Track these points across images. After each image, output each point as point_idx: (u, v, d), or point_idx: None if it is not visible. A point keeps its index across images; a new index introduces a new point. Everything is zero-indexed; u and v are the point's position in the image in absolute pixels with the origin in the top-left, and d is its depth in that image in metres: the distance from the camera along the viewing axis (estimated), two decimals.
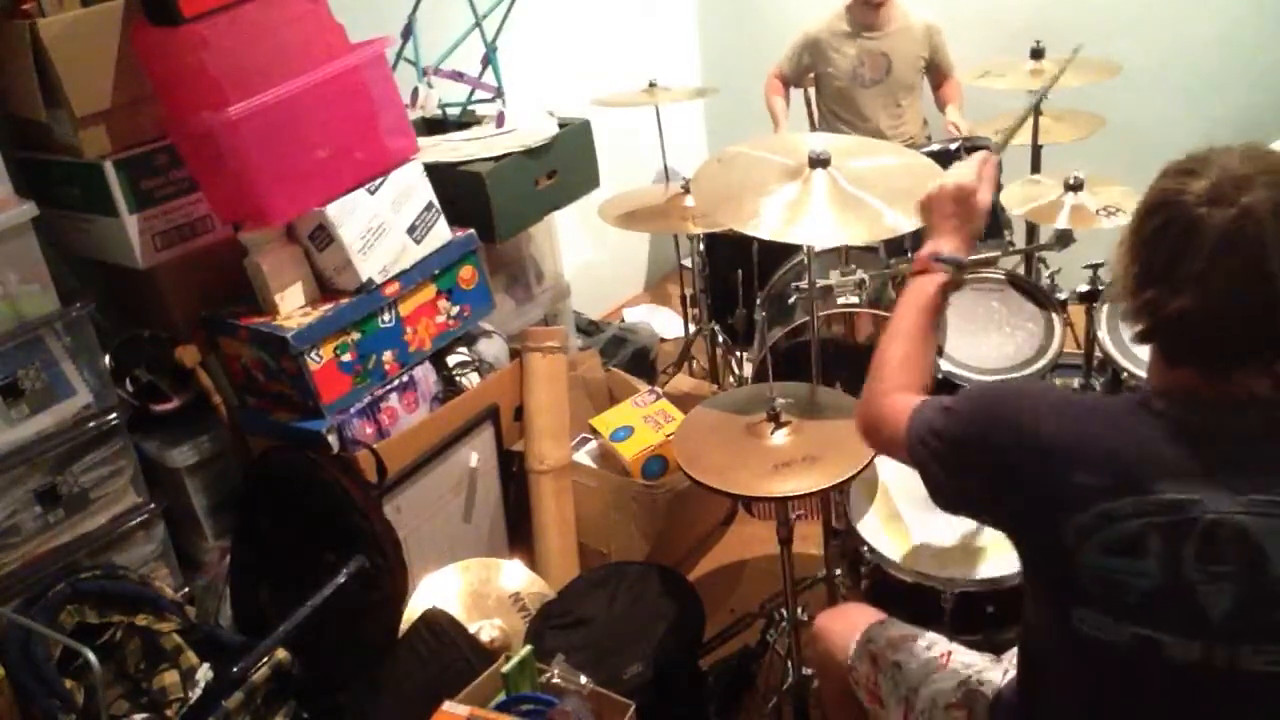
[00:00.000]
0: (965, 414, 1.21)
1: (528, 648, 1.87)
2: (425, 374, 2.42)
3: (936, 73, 3.51)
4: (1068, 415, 1.13)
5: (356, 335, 2.24)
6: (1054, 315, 2.50)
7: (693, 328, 3.50)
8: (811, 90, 3.62)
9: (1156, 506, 1.05)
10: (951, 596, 1.85)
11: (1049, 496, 1.10)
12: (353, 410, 2.26)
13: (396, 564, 2.13)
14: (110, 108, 2.05)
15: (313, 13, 2.15)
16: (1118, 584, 1.07)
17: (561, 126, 2.75)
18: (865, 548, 1.97)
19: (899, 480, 2.09)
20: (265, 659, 1.93)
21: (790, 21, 3.63)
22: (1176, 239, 1.06)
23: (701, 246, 3.17)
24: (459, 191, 2.51)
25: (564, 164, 2.74)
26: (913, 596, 1.88)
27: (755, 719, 2.23)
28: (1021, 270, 2.99)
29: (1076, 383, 2.66)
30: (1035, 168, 3.14)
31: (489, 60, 2.82)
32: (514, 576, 2.35)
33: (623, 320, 3.94)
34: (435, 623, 2.09)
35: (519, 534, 2.65)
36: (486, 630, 2.19)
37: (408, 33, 2.82)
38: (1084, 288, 2.43)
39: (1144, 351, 1.24)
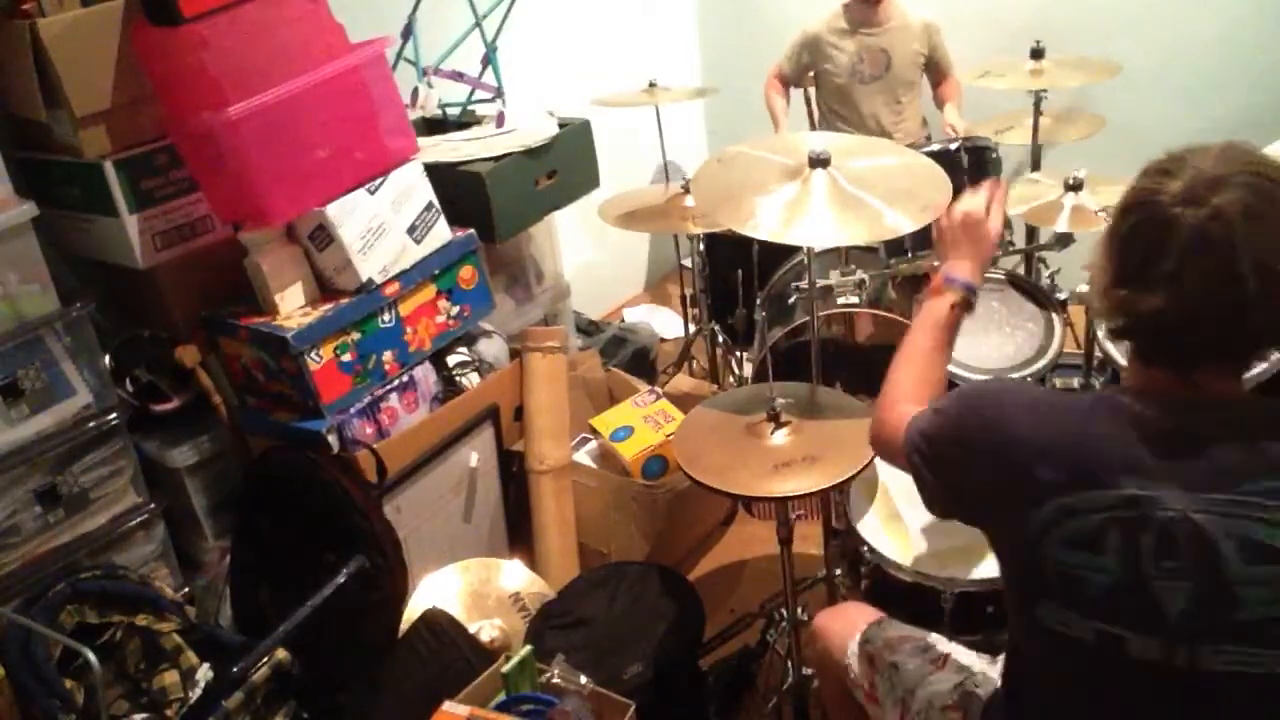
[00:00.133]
0: (948, 413, 1.25)
1: (528, 648, 1.87)
2: (425, 374, 2.42)
3: (935, 71, 3.51)
4: (1034, 411, 1.16)
5: (356, 335, 2.24)
6: (1054, 315, 2.50)
7: (693, 328, 3.50)
8: (811, 89, 3.63)
9: (1115, 502, 1.07)
10: (951, 596, 1.85)
11: (1015, 491, 1.13)
12: (353, 410, 2.26)
13: (396, 564, 2.13)
14: (110, 108, 2.05)
15: (313, 13, 2.14)
16: (1079, 579, 1.09)
17: (561, 126, 2.75)
18: (865, 548, 1.97)
19: (899, 480, 2.09)
20: (265, 659, 1.93)
21: (790, 21, 3.62)
22: (1150, 239, 1.07)
23: (701, 246, 3.17)
24: (459, 191, 2.51)
25: (564, 164, 2.74)
26: (913, 596, 1.88)
27: (755, 719, 2.23)
28: (1021, 270, 2.99)
29: (1076, 382, 2.66)
30: (1035, 169, 3.15)
31: (489, 60, 2.82)
32: (514, 576, 2.36)
33: (623, 320, 3.94)
34: (435, 623, 2.09)
35: (519, 534, 2.65)
36: (486, 630, 2.19)
37: (408, 33, 2.82)
38: (1084, 288, 2.43)
39: None
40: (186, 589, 2.27)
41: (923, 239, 2.52)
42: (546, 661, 1.89)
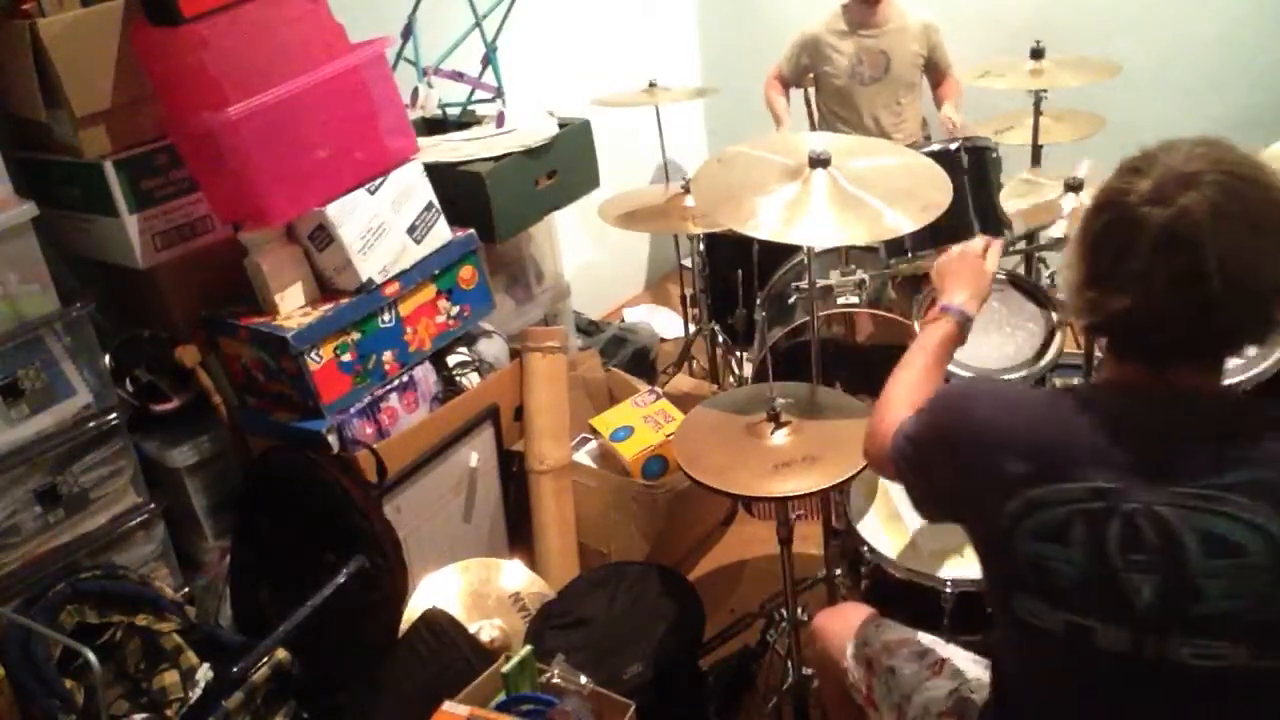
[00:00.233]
0: (927, 414, 1.28)
1: (528, 648, 1.87)
2: (425, 374, 2.42)
3: (935, 71, 3.52)
4: (1005, 406, 1.18)
5: (356, 335, 2.24)
6: (1054, 315, 2.50)
7: (693, 328, 3.50)
8: (811, 90, 3.63)
9: (1081, 494, 1.08)
10: (951, 596, 1.85)
11: (987, 485, 1.14)
12: (353, 410, 2.26)
13: (396, 564, 2.13)
14: (110, 108, 2.05)
15: (313, 13, 2.15)
16: (1049, 570, 1.10)
17: (561, 126, 2.75)
18: (865, 548, 1.97)
19: None
20: (265, 659, 1.93)
21: (790, 21, 3.62)
22: (1119, 238, 1.08)
23: (701, 246, 3.17)
24: (459, 191, 2.51)
25: (564, 164, 2.74)
26: (913, 596, 1.88)
27: (755, 719, 2.23)
28: (1021, 270, 2.99)
29: (1077, 382, 2.66)
30: (1035, 169, 3.14)
31: (489, 60, 2.82)
32: (514, 576, 2.35)
33: (623, 320, 3.94)
34: (435, 623, 2.09)
35: (519, 534, 2.65)
36: (486, 630, 2.19)
37: (408, 33, 2.82)
38: None
39: None
40: (186, 589, 2.27)
41: (923, 239, 2.52)
42: (546, 661, 1.89)
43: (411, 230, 2.31)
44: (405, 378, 2.37)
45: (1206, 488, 1.04)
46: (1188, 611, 1.05)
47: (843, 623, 1.67)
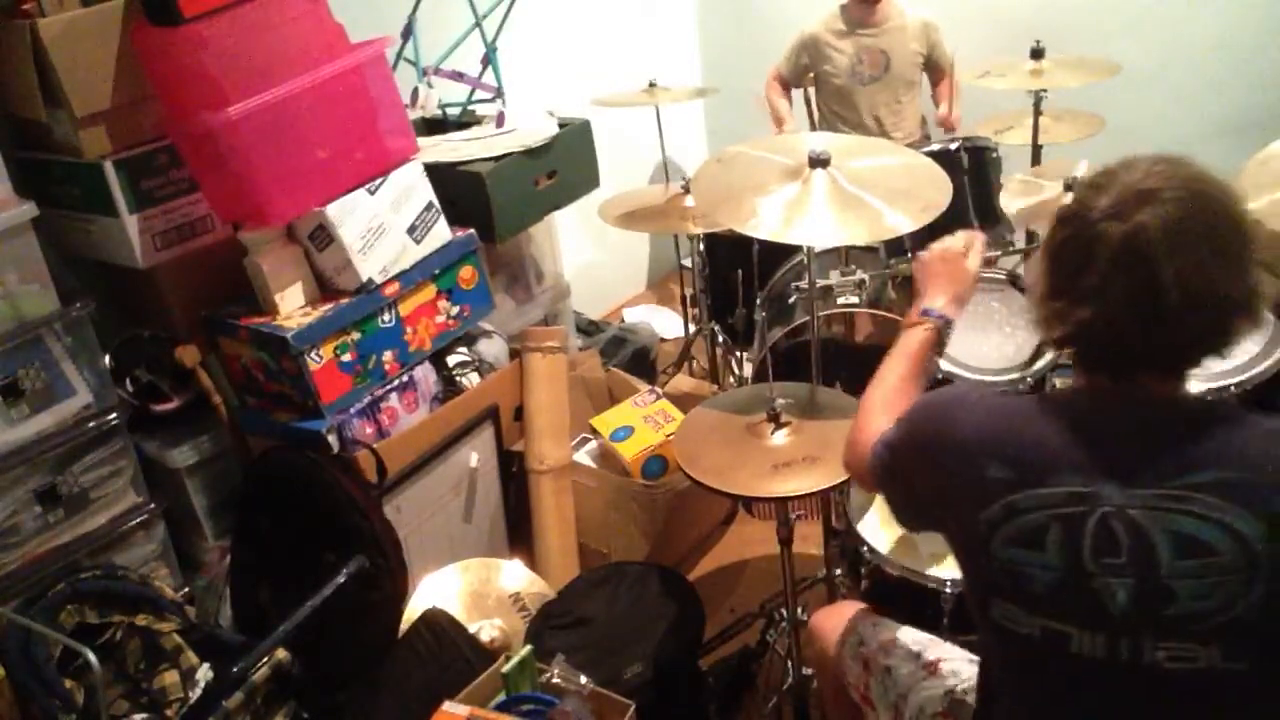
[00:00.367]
0: (906, 423, 1.29)
1: (528, 648, 1.87)
2: (425, 374, 2.42)
3: (935, 69, 3.52)
4: (983, 413, 1.18)
5: (356, 335, 2.24)
6: None
7: (693, 328, 3.50)
8: (811, 90, 3.63)
9: (1056, 499, 1.09)
10: (951, 596, 1.85)
11: (966, 492, 1.15)
12: (353, 410, 2.26)
13: (396, 564, 2.13)
14: (110, 108, 2.05)
15: (313, 13, 2.15)
16: (1024, 575, 1.11)
17: (561, 126, 2.75)
18: (865, 548, 1.97)
19: None
20: (265, 659, 1.93)
21: (790, 20, 3.63)
22: (1079, 252, 1.10)
23: (701, 246, 3.17)
24: (459, 191, 2.51)
25: (564, 164, 2.74)
26: (912, 597, 1.88)
27: (755, 719, 2.23)
28: (1021, 270, 2.99)
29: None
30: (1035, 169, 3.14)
31: (489, 60, 2.82)
32: (514, 576, 2.35)
33: (623, 320, 3.95)
34: (435, 623, 2.09)
35: (519, 534, 2.65)
36: (486, 630, 2.19)
37: (408, 33, 2.82)
38: None
39: None
40: (186, 589, 2.27)
41: (923, 239, 2.52)
42: (546, 661, 1.89)
43: (411, 230, 2.31)
44: (405, 378, 2.37)
45: (1175, 489, 1.05)
46: (1161, 613, 1.05)
47: (839, 621, 1.67)
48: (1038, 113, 3.03)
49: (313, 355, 2.16)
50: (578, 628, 2.09)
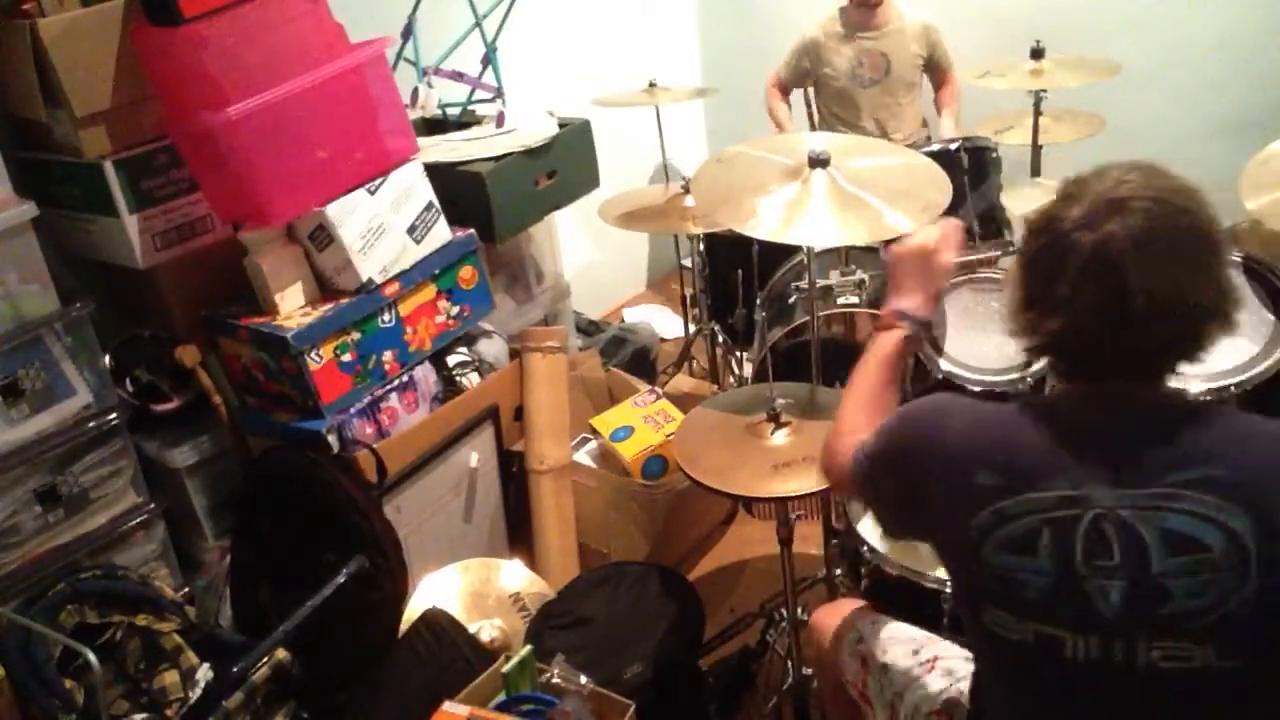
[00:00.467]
0: (890, 432, 1.28)
1: (528, 648, 1.87)
2: (425, 374, 2.42)
3: (936, 72, 3.52)
4: (970, 421, 1.18)
5: (356, 335, 2.24)
6: None
7: (693, 328, 3.50)
8: (811, 91, 3.63)
9: (1046, 503, 1.09)
10: (951, 596, 1.85)
11: (955, 499, 1.15)
12: (353, 410, 2.26)
13: (396, 564, 2.13)
14: (110, 108, 2.05)
15: (312, 13, 2.15)
16: (1016, 581, 1.10)
17: (561, 126, 2.75)
18: (865, 548, 1.97)
19: None
20: (265, 659, 1.93)
21: (790, 20, 3.63)
22: (1051, 262, 1.11)
23: (701, 246, 3.17)
24: (459, 191, 2.51)
25: (564, 164, 2.74)
26: (913, 596, 1.88)
27: (755, 719, 2.23)
28: None
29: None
30: (1035, 169, 3.14)
31: (489, 60, 2.82)
32: (514, 576, 2.35)
33: (623, 320, 3.95)
34: (435, 623, 2.09)
35: (519, 534, 2.65)
36: (486, 630, 2.19)
37: (408, 33, 2.82)
38: None
39: None
40: (186, 589, 2.27)
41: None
42: (546, 661, 1.89)
43: (411, 230, 2.31)
44: (405, 378, 2.37)
45: (1164, 487, 1.06)
46: (1156, 613, 1.05)
47: (838, 619, 1.67)
48: (1038, 113, 3.03)
49: (313, 355, 2.16)
50: (578, 628, 2.09)
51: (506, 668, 1.81)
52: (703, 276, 3.21)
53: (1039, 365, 2.40)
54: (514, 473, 2.63)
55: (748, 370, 3.21)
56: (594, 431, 2.70)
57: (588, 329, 3.55)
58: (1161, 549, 1.05)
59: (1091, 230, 1.07)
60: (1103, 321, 1.08)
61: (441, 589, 2.28)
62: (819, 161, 1.78)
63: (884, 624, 1.61)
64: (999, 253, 2.39)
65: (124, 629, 2.00)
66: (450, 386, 2.48)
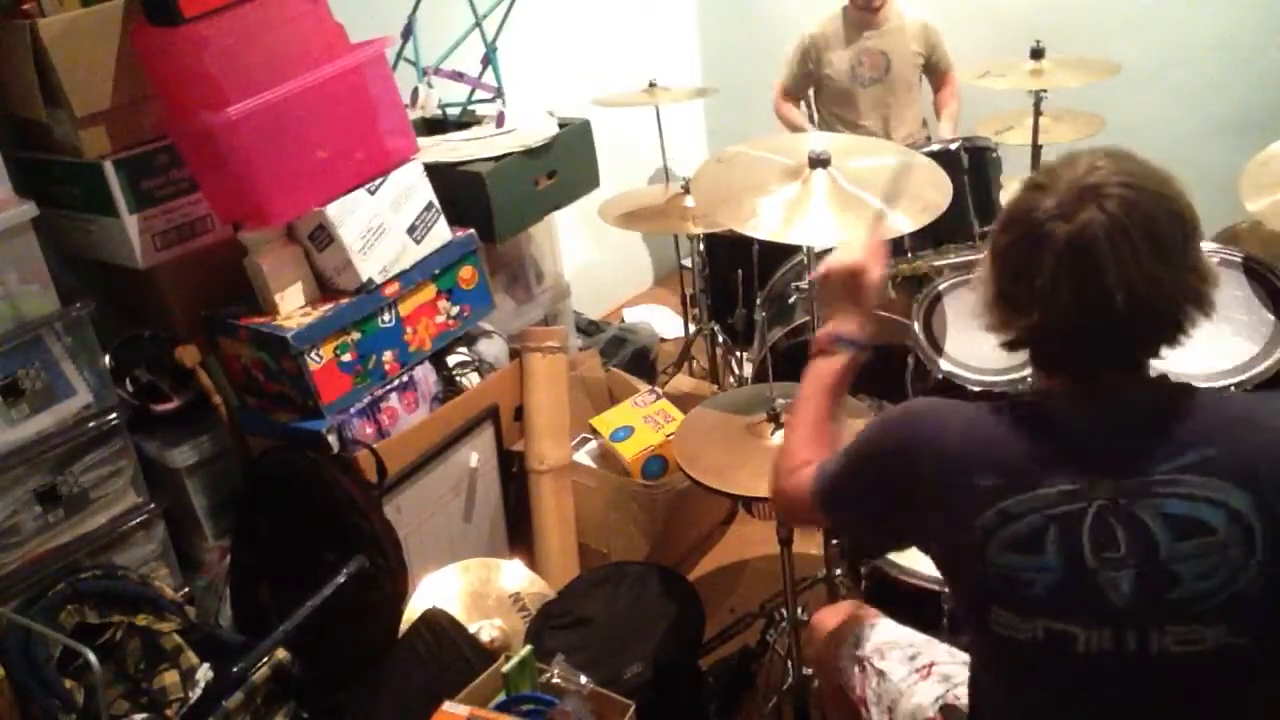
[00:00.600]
0: (870, 442, 1.24)
1: (528, 648, 1.87)
2: (425, 374, 2.42)
3: (935, 72, 3.52)
4: (961, 423, 1.16)
5: (356, 335, 2.24)
6: None
7: (693, 328, 3.50)
8: (811, 91, 3.62)
9: (1049, 499, 1.08)
10: (951, 600, 1.84)
11: (955, 502, 1.13)
12: (353, 410, 2.26)
13: (396, 564, 2.13)
14: (110, 108, 2.05)
15: (312, 13, 2.15)
16: (1022, 580, 1.10)
17: (561, 126, 2.75)
18: None
19: None
20: (265, 659, 1.93)
21: (790, 20, 3.63)
22: (1026, 254, 1.10)
23: (701, 246, 3.17)
24: (459, 191, 2.51)
25: (564, 164, 2.74)
26: (912, 597, 1.88)
27: (755, 719, 2.23)
28: None
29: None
30: (1035, 170, 3.14)
31: (489, 60, 2.82)
32: (514, 576, 2.35)
33: (623, 320, 3.94)
34: (435, 623, 2.09)
35: (519, 534, 2.65)
36: (486, 630, 2.19)
37: (408, 33, 2.82)
38: None
39: None
40: (186, 589, 2.27)
41: (923, 239, 2.52)
42: (546, 661, 1.89)
43: (411, 230, 2.31)
44: (405, 378, 2.37)
45: (1163, 474, 1.06)
46: (1166, 598, 1.05)
47: (838, 622, 1.67)
48: (1038, 113, 3.03)
49: (313, 355, 2.16)
50: (578, 628, 2.09)
51: (506, 668, 1.81)
52: (703, 276, 3.21)
53: None
54: (514, 473, 2.63)
55: (748, 370, 3.21)
56: (594, 431, 2.70)
57: (588, 329, 3.55)
58: (1167, 535, 1.05)
59: (1066, 220, 1.06)
60: (1082, 312, 1.07)
61: (441, 589, 2.28)
62: (819, 161, 1.78)
63: (881, 628, 1.61)
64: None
65: (124, 629, 2.00)
66: (450, 386, 2.48)
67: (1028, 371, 2.39)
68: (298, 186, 2.12)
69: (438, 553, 2.42)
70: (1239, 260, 2.08)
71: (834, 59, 3.44)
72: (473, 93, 2.88)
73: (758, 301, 2.92)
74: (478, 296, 2.51)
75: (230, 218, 2.22)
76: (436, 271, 2.38)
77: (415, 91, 2.84)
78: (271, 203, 2.09)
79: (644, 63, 3.57)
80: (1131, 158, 1.11)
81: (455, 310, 2.46)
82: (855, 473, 1.25)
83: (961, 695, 1.44)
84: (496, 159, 2.59)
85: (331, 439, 2.18)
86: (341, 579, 2.00)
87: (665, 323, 3.97)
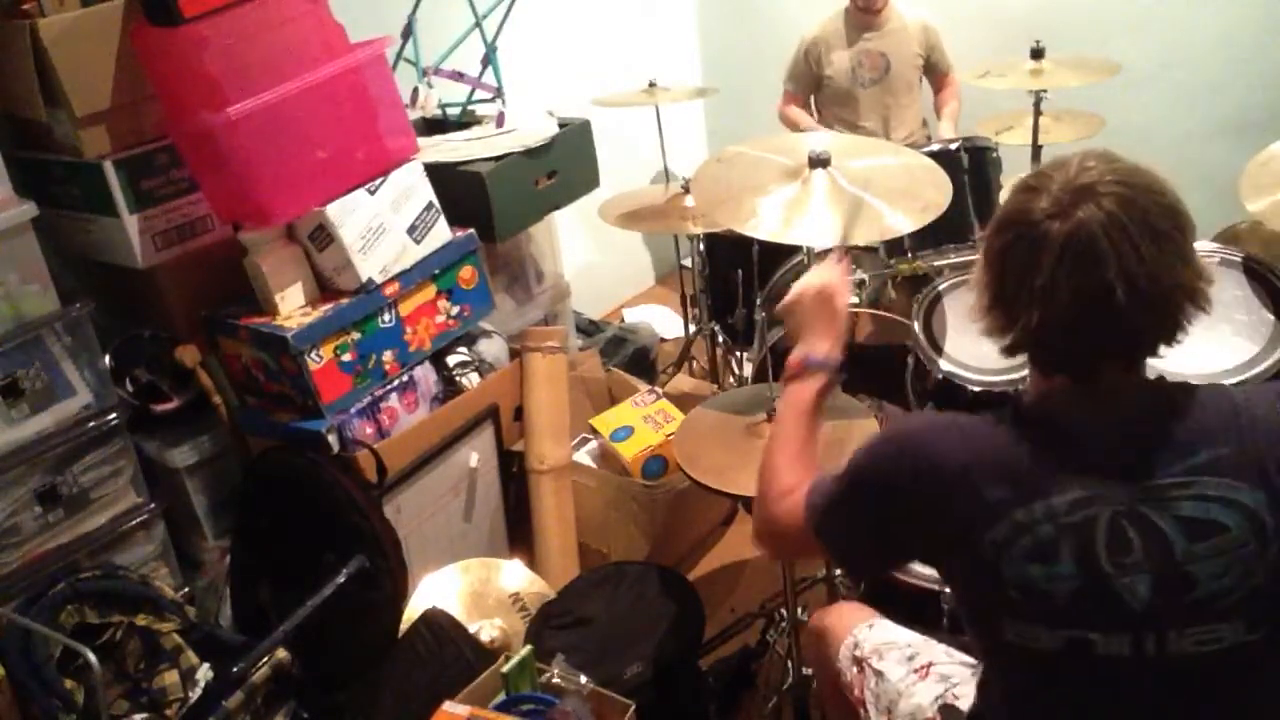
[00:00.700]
0: (872, 459, 1.22)
1: (528, 648, 1.87)
2: (425, 374, 2.42)
3: (935, 73, 3.52)
4: (962, 436, 1.15)
5: (356, 335, 2.24)
6: None
7: (693, 328, 3.50)
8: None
9: (1063, 508, 1.08)
10: (951, 597, 1.84)
11: (964, 517, 1.11)
12: (353, 410, 2.26)
13: (396, 564, 2.13)
14: (110, 108, 2.05)
15: (312, 13, 2.15)
16: (1040, 591, 1.09)
17: (561, 126, 2.75)
18: None
19: None
20: (265, 659, 1.93)
21: (790, 20, 3.63)
22: (1024, 254, 1.10)
23: (701, 246, 3.17)
24: (459, 191, 2.51)
25: (564, 164, 2.74)
26: (912, 597, 1.88)
27: (755, 719, 2.23)
28: None
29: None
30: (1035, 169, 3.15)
31: (489, 60, 2.82)
32: (514, 576, 2.35)
33: (623, 320, 3.94)
34: (435, 623, 2.09)
35: (519, 534, 2.65)
36: (486, 630, 2.19)
37: (408, 33, 2.82)
38: None
39: None
40: (186, 589, 2.27)
41: (923, 239, 2.52)
42: (546, 661, 1.89)
43: (411, 230, 2.31)
44: (405, 378, 2.37)
45: (1174, 476, 1.06)
46: (1184, 600, 1.06)
47: (838, 621, 1.67)
48: (1038, 113, 3.03)
49: (313, 355, 2.16)
50: (578, 628, 2.09)
51: (506, 668, 1.81)
52: (703, 276, 3.21)
53: None
54: (514, 473, 2.63)
55: (748, 370, 3.21)
56: (594, 431, 2.70)
57: (588, 329, 3.55)
58: (1181, 537, 1.05)
59: (1063, 219, 1.07)
60: (1083, 308, 1.07)
61: (441, 589, 2.28)
62: (819, 161, 1.78)
63: (880, 629, 1.60)
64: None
65: (124, 629, 2.00)
66: (450, 386, 2.48)
67: (1027, 372, 2.40)
68: (298, 186, 2.12)
69: (438, 553, 2.42)
70: (1239, 260, 2.08)
71: (834, 60, 3.44)
72: (473, 93, 2.88)
73: (758, 301, 2.92)
74: (478, 296, 2.51)
75: (230, 218, 2.22)
76: (436, 271, 2.38)
77: (415, 91, 2.84)
78: (271, 203, 2.09)
79: (644, 63, 3.57)
80: (1119, 158, 1.12)
81: (455, 310, 2.46)
82: (853, 492, 1.23)
83: (960, 695, 1.44)
84: (496, 159, 2.59)
85: (331, 439, 2.18)
86: (341, 579, 2.00)
87: (665, 323, 3.97)
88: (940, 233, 2.35)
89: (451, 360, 2.49)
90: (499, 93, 2.83)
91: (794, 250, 2.82)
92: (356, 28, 2.25)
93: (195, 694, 1.97)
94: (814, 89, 3.56)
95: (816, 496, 1.26)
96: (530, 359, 2.58)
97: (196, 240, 2.23)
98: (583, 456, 2.70)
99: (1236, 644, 1.06)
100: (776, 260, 2.95)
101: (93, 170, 2.06)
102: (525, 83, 3.14)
